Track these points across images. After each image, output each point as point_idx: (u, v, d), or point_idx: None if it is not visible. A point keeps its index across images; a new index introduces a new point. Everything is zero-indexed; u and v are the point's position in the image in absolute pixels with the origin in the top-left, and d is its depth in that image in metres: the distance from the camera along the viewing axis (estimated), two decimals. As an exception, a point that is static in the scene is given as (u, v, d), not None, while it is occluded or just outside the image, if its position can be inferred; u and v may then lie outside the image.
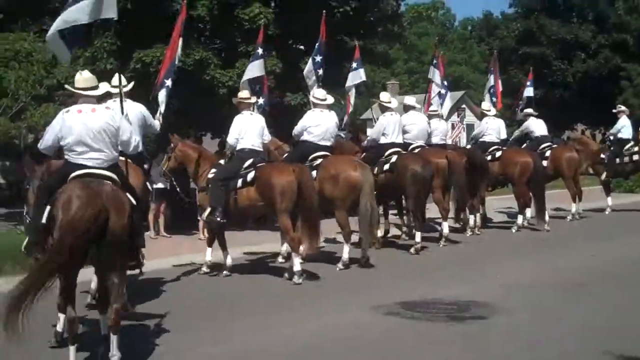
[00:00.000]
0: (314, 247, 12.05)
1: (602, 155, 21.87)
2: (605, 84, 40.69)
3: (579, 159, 19.86)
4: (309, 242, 11.94)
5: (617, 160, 21.62)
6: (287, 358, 7.76)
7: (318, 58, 16.21)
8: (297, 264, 11.70)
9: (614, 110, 22.87)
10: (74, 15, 10.60)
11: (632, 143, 21.71)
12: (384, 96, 15.84)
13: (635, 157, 21.33)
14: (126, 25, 16.29)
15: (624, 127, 21.64)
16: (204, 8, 17.86)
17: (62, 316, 8.02)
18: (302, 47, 20.27)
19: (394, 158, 14.74)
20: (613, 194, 24.29)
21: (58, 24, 10.22)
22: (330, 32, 19.89)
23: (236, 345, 8.23)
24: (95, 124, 7.80)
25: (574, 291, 10.95)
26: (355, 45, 18.07)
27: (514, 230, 17.70)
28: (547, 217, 17.65)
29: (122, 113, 9.15)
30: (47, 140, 8.02)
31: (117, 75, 10.34)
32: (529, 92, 23.45)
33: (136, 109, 10.81)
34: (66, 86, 8.55)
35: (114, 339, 7.22)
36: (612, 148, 21.93)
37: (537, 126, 20.25)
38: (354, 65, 17.57)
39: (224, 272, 12.48)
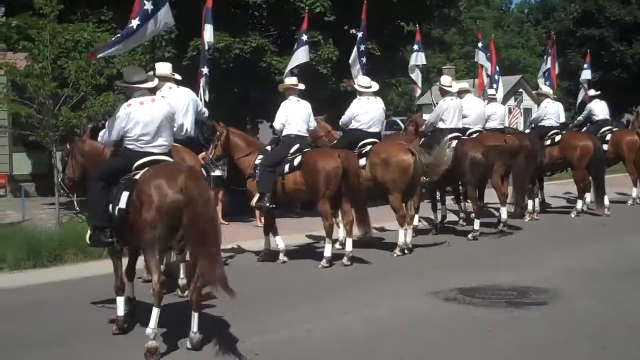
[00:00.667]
0: (365, 231, 12.32)
1: None
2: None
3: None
4: (360, 226, 12.20)
5: None
6: (346, 345, 7.77)
7: (362, 47, 16.25)
8: (328, 249, 12.03)
9: None
10: (132, 43, 11.20)
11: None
12: (445, 80, 15.68)
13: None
14: (184, 13, 16.40)
15: None
16: (261, -5, 17.96)
17: (121, 300, 8.37)
18: (359, 33, 20.27)
19: (453, 143, 14.62)
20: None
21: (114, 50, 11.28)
22: (387, 16, 19.90)
23: (294, 332, 8.27)
24: (159, 113, 8.31)
25: (634, 277, 10.83)
26: (415, 30, 18.00)
27: (573, 215, 17.51)
28: (607, 202, 17.42)
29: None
30: (111, 134, 8.40)
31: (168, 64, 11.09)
32: (586, 74, 23.07)
33: (187, 95, 11.25)
34: (119, 83, 8.88)
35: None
36: None
37: (600, 109, 19.95)
38: (415, 47, 17.53)
39: (280, 258, 12.56)
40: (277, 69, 17.60)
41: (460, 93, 16.26)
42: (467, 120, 15.84)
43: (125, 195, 7.81)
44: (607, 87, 39.92)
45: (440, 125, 14.99)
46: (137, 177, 7.89)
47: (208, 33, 14.18)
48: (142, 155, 8.21)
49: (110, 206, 8.03)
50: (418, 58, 17.54)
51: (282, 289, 10.55)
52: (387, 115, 18.68)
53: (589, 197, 18.05)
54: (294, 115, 12.60)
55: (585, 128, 19.96)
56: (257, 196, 12.47)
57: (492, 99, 17.84)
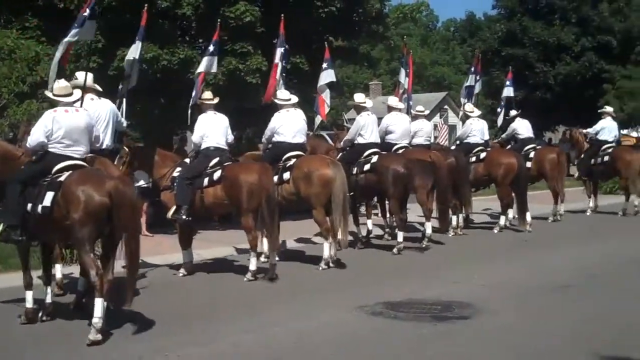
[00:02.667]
0: (277, 245, 12.62)
1: (582, 156, 21.89)
2: (587, 86, 40.89)
3: (562, 160, 19.93)
4: (269, 240, 12.51)
5: (592, 161, 21.48)
6: (271, 358, 7.73)
7: (284, 63, 16.21)
8: (253, 263, 12.04)
9: (599, 111, 22.89)
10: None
11: (609, 144, 21.49)
12: (359, 97, 15.86)
13: (606, 159, 21.21)
14: (110, 23, 16.22)
15: (603, 129, 21.46)
16: (190, 7, 17.84)
17: (30, 294, 9.25)
18: (286, 45, 20.29)
19: (374, 158, 14.80)
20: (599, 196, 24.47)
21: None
22: (315, 31, 19.97)
23: (219, 346, 8.21)
24: (81, 122, 9.32)
25: (556, 292, 10.99)
26: (327, 46, 17.97)
27: (496, 231, 17.77)
28: (529, 218, 17.72)
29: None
30: (37, 136, 9.12)
31: (85, 73, 11.16)
32: (508, 92, 23.45)
33: (107, 106, 11.40)
34: (46, 92, 9.91)
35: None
36: (589, 148, 21.83)
37: (523, 127, 20.36)
38: (324, 65, 17.52)
39: (181, 271, 12.57)
40: (205, 80, 17.49)
41: (389, 109, 16.42)
42: (392, 137, 15.98)
43: (50, 195, 8.67)
44: (531, 106, 40.72)
45: (359, 140, 15.10)
46: (61, 179, 8.73)
47: (136, 49, 13.93)
48: (63, 159, 9.06)
49: (30, 206, 8.83)
50: (327, 76, 17.54)
51: (207, 302, 10.45)
52: (315, 129, 18.65)
53: (511, 213, 18.34)
54: (212, 129, 12.64)
55: (509, 146, 20.28)
56: (173, 208, 12.40)
57: (420, 115, 17.99)
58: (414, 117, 17.87)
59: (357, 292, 10.80)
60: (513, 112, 21.09)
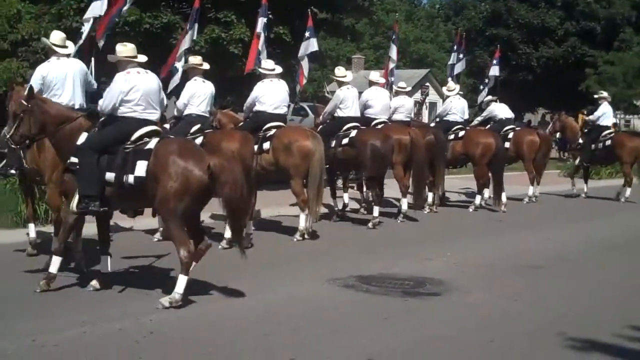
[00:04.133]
0: (253, 214, 12.69)
1: (580, 140, 21.82)
2: (569, 70, 40.99)
3: (540, 142, 20.03)
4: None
5: (593, 146, 21.41)
6: (241, 329, 7.75)
7: (262, 34, 16.11)
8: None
9: (596, 96, 22.93)
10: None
11: (610, 130, 21.71)
12: (339, 71, 15.84)
13: (608, 143, 21.24)
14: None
15: (604, 114, 21.44)
16: (174, -29, 17.76)
17: (58, 260, 8.89)
18: (271, 16, 20.20)
19: (353, 132, 14.83)
20: (564, 178, 24.64)
21: None
22: (299, 4, 19.89)
23: (188, 313, 8.22)
24: (154, 84, 9.12)
25: (528, 272, 11.11)
26: (309, 13, 17.91)
27: (471, 210, 17.86)
28: (504, 199, 17.82)
29: None
30: (112, 99, 8.87)
31: (60, 34, 11.09)
32: (494, 70, 23.50)
33: (78, 66, 10.98)
34: (110, 57, 9.43)
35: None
36: (589, 133, 21.77)
37: (501, 109, 20.46)
38: (307, 34, 17.46)
39: (156, 236, 12.63)
40: (188, 48, 17.42)
41: (370, 84, 16.43)
42: (371, 111, 15.99)
43: (142, 164, 8.42)
44: (512, 87, 40.84)
45: (339, 113, 15.12)
46: (150, 146, 8.54)
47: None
48: (142, 123, 8.84)
49: (113, 175, 8.55)
50: (309, 46, 17.48)
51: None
52: (295, 101, 18.68)
53: (487, 193, 18.45)
54: (198, 96, 12.57)
55: (489, 126, 20.34)
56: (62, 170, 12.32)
57: (401, 92, 17.99)
58: (396, 93, 17.91)
59: (330, 265, 10.84)
60: (489, 97, 21.19)
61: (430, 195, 17.22)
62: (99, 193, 8.68)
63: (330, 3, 21.26)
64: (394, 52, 21.48)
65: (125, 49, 9.23)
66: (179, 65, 14.84)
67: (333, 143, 14.64)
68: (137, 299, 8.63)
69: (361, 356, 6.98)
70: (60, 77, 10.43)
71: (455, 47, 23.04)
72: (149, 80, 9.04)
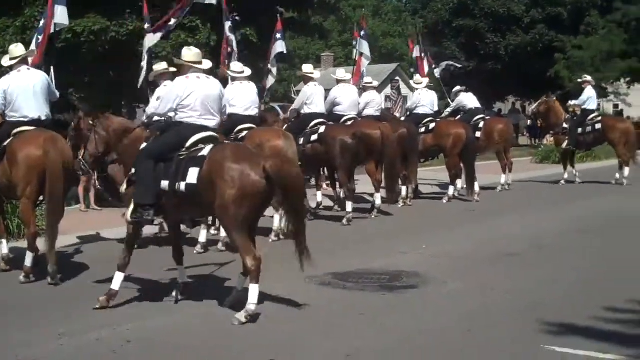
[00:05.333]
0: None
1: (565, 126, 21.82)
2: (537, 57, 41.19)
3: (511, 131, 20.16)
4: None
5: (580, 130, 21.46)
6: (219, 331, 7.75)
7: (232, 36, 15.93)
8: (203, 235, 12.09)
9: (579, 80, 23.03)
10: None
11: (596, 114, 21.84)
12: (307, 68, 15.92)
13: (597, 127, 21.32)
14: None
15: (589, 98, 21.54)
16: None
17: (121, 276, 8.71)
18: (237, 17, 20.20)
19: (321, 129, 14.88)
20: (543, 165, 24.78)
21: None
22: (266, 3, 19.90)
23: (167, 319, 8.24)
24: (215, 89, 8.88)
25: (504, 261, 11.18)
26: (279, 17, 17.92)
27: (444, 201, 17.94)
28: (477, 188, 17.91)
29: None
30: (167, 104, 8.77)
31: (20, 45, 10.98)
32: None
33: (41, 76, 10.82)
34: (175, 60, 9.50)
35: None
36: (575, 118, 21.85)
37: (469, 100, 20.55)
38: (278, 36, 17.46)
39: None
40: (154, 52, 17.38)
41: (337, 82, 16.47)
42: (340, 108, 16.02)
43: (194, 171, 8.16)
44: (481, 76, 41.01)
45: (306, 110, 15.20)
46: (203, 153, 8.25)
47: (59, 15, 13.83)
48: (198, 130, 8.58)
49: (167, 183, 8.34)
50: (279, 47, 17.50)
51: (157, 275, 10.37)
52: (266, 102, 18.67)
53: (460, 183, 18.53)
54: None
55: (458, 116, 20.42)
56: (125, 182, 12.24)
57: (369, 87, 18.03)
58: (364, 89, 17.94)
59: (307, 263, 10.83)
60: (457, 88, 21.30)
61: (403, 189, 17.28)
62: (154, 202, 8.50)
63: (297, 2, 21.28)
64: (365, 48, 21.47)
65: (189, 54, 9.06)
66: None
67: (301, 140, 14.65)
68: (113, 308, 8.56)
69: (339, 353, 7.00)
70: (23, 90, 10.28)
71: (420, 41, 23.18)
72: (209, 86, 8.79)
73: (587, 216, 15.69)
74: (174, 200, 8.42)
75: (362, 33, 22.07)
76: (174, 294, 8.89)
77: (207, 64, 9.23)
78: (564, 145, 21.72)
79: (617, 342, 7.20)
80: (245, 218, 7.99)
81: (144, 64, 14.61)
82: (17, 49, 10.80)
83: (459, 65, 21.15)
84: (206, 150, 8.31)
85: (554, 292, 9.33)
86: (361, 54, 21.74)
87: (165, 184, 8.38)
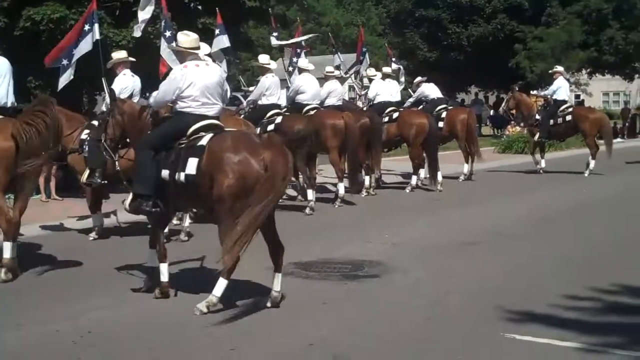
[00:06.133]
0: None
1: (537, 117, 21.88)
2: (499, 47, 41.35)
3: (472, 121, 20.23)
4: None
5: (552, 121, 21.49)
6: (180, 323, 7.69)
7: (168, 33, 15.47)
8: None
9: (550, 71, 23.10)
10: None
11: (567, 104, 21.87)
12: (263, 58, 15.98)
13: (568, 118, 21.37)
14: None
15: (559, 88, 21.58)
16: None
17: (164, 266, 8.56)
18: (199, 7, 20.08)
19: (278, 119, 14.94)
20: (505, 155, 24.91)
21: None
22: (227, -8, 19.74)
23: (129, 309, 8.21)
24: (214, 77, 8.70)
25: (466, 250, 11.25)
26: (219, 12, 17.72)
27: (407, 191, 17.98)
28: (440, 178, 17.97)
29: None
30: (166, 94, 8.64)
31: None
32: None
33: (6, 63, 10.54)
34: (171, 47, 9.65)
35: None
36: (547, 108, 21.93)
37: (431, 90, 20.64)
38: (217, 31, 17.28)
39: (92, 235, 12.39)
40: (114, 41, 17.22)
41: (300, 71, 16.48)
42: (303, 97, 16.19)
43: (193, 161, 8.04)
44: (444, 67, 41.09)
45: (263, 101, 15.30)
46: (202, 142, 8.12)
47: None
48: (197, 119, 8.45)
49: (167, 173, 8.23)
50: (220, 42, 17.35)
51: (117, 266, 10.26)
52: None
53: (423, 173, 18.59)
54: (127, 90, 12.43)
55: (421, 107, 20.46)
56: (87, 172, 12.14)
57: (331, 77, 18.00)
58: (325, 78, 17.90)
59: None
60: (418, 79, 21.38)
61: (367, 179, 17.30)
62: (153, 192, 8.41)
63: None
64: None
65: (186, 40, 8.83)
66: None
67: (257, 130, 14.62)
68: (72, 298, 8.51)
69: (302, 342, 7.01)
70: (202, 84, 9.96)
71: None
72: (208, 74, 8.62)
73: (549, 205, 15.84)
74: (173, 190, 8.31)
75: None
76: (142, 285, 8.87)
77: (206, 49, 9.19)
78: (536, 137, 21.77)
79: (576, 330, 7.27)
80: (240, 209, 7.83)
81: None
82: None
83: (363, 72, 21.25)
84: (205, 139, 8.19)
85: (515, 280, 9.41)
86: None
87: (165, 173, 8.28)
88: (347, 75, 22.54)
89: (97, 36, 14.29)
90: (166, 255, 8.61)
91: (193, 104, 8.50)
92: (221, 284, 7.86)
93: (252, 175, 7.77)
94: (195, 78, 8.50)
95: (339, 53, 22.48)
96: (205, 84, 8.53)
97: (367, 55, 23.20)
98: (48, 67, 13.94)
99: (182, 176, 8.13)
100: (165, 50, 14.51)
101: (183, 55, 8.91)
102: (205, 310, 7.78)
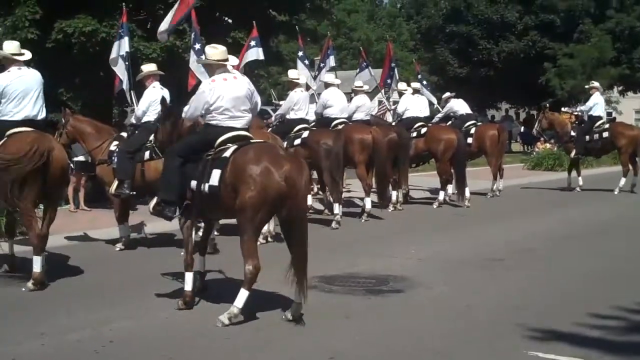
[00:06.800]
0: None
1: (573, 133, 21.65)
2: (530, 63, 41.22)
3: (502, 137, 20.14)
4: None
5: (587, 138, 21.15)
6: (202, 333, 7.72)
7: (197, 46, 15.49)
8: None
9: (586, 87, 22.89)
10: None
11: (602, 120, 21.43)
12: (292, 73, 16.13)
13: (605, 135, 20.97)
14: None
15: (596, 105, 21.23)
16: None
17: (190, 275, 8.64)
18: (229, 20, 20.20)
19: (305, 133, 15.00)
20: (534, 172, 24.74)
21: None
22: (257, 5, 19.88)
23: (152, 320, 8.23)
24: (242, 90, 8.77)
25: (490, 266, 11.18)
26: (255, 25, 17.84)
27: (435, 206, 17.93)
28: (467, 194, 17.90)
29: None
30: (196, 108, 8.76)
31: (15, 43, 10.76)
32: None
33: (35, 76, 10.51)
34: (200, 60, 9.82)
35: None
36: (582, 125, 21.69)
37: (460, 105, 20.63)
38: (252, 43, 17.41)
39: (118, 245, 12.47)
40: (144, 54, 17.37)
41: (326, 86, 16.58)
42: (330, 111, 16.31)
43: (216, 172, 8.17)
44: (474, 83, 41.02)
45: (291, 115, 15.41)
46: (226, 154, 8.23)
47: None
48: (225, 130, 8.57)
49: (194, 183, 8.39)
50: (253, 54, 17.51)
51: (143, 277, 10.35)
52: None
53: (450, 188, 18.54)
54: (156, 103, 12.50)
55: (450, 122, 20.43)
56: (115, 183, 12.25)
57: (359, 91, 18.02)
58: (354, 93, 17.92)
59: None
60: (447, 94, 21.35)
61: (394, 194, 17.28)
62: (177, 199, 8.61)
63: (288, 5, 21.25)
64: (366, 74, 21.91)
65: (215, 52, 8.97)
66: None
67: (285, 144, 14.66)
68: (95, 308, 8.56)
69: (323, 355, 6.98)
70: (22, 88, 10.06)
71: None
72: (236, 87, 8.72)
73: (576, 222, 15.72)
74: (199, 200, 8.43)
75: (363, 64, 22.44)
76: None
77: (234, 61, 9.32)
78: (572, 153, 21.48)
79: (600, 348, 7.19)
80: (262, 220, 8.11)
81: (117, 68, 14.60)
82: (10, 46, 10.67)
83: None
84: (229, 151, 8.30)
85: (539, 297, 9.33)
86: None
87: (193, 183, 8.44)
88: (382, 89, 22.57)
89: (127, 48, 14.46)
90: (192, 265, 8.67)
91: (220, 116, 8.61)
92: (242, 295, 7.94)
93: (273, 186, 7.82)
94: (223, 91, 8.60)
95: (369, 67, 22.41)
96: (233, 97, 8.63)
97: (396, 71, 23.15)
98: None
99: (206, 187, 8.25)
100: (194, 63, 14.66)
101: (212, 68, 9.00)
102: (226, 322, 7.82)
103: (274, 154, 8.21)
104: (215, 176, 8.20)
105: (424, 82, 23.41)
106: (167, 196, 8.68)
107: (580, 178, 21.57)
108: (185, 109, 9.11)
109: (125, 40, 14.64)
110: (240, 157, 8.11)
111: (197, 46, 14.68)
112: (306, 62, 20.36)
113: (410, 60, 57.37)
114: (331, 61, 21.56)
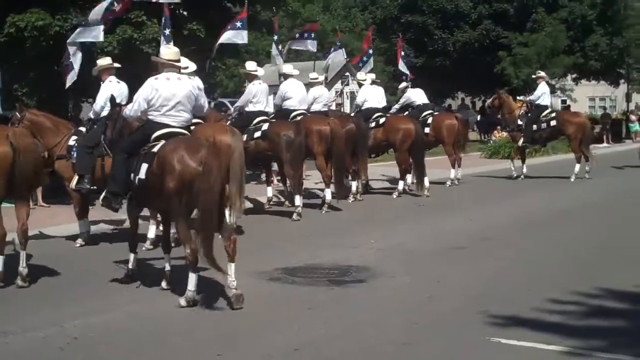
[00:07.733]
0: None
1: (519, 122, 21.81)
2: (485, 53, 41.49)
3: (459, 126, 20.27)
4: None
5: (535, 127, 21.46)
6: (166, 328, 7.73)
7: (167, 31, 15.43)
8: (152, 230, 12.16)
9: (533, 76, 23.12)
10: None
11: (549, 109, 21.84)
12: (250, 65, 16.00)
13: (553, 123, 21.31)
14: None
15: (543, 94, 21.56)
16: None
17: (133, 256, 9.58)
18: (185, 12, 20.04)
19: (264, 126, 14.96)
20: (492, 160, 24.95)
21: None
22: (213, -1, 19.78)
23: (114, 315, 8.20)
24: (182, 89, 9.09)
25: (452, 254, 11.28)
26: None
27: (394, 196, 18.01)
28: (427, 183, 18.00)
29: None
30: (139, 104, 9.07)
31: None
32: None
33: None
34: (153, 57, 9.78)
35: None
36: (529, 114, 21.81)
37: (417, 95, 20.70)
38: (238, 24, 17.37)
39: (78, 241, 12.43)
40: (99, 47, 17.18)
41: (285, 77, 16.53)
42: (290, 102, 16.26)
43: (144, 166, 8.68)
44: (431, 73, 41.14)
45: (250, 108, 15.34)
46: (155, 149, 8.67)
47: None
48: (160, 127, 8.96)
49: (132, 175, 8.92)
50: (238, 36, 17.49)
51: (103, 272, 10.28)
52: (214, 97, 18.66)
53: (409, 178, 18.64)
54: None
55: (407, 112, 20.50)
56: (76, 178, 12.15)
57: (315, 83, 18.01)
58: (310, 84, 17.90)
59: (257, 259, 10.78)
60: (403, 84, 21.46)
61: (354, 184, 17.33)
62: (122, 191, 9.27)
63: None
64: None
65: (167, 52, 9.45)
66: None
67: (244, 137, 14.60)
68: (59, 305, 8.53)
69: (288, 347, 7.00)
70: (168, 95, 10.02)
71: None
72: (177, 87, 9.04)
73: (535, 210, 15.87)
74: (135, 191, 9.05)
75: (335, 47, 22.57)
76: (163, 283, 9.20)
77: (189, 65, 9.95)
78: (520, 142, 21.72)
79: (561, 333, 7.30)
80: (190, 206, 8.45)
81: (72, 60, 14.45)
82: None
83: None
84: (158, 146, 8.73)
85: (500, 284, 9.43)
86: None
87: (132, 176, 8.95)
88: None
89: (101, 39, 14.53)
90: (135, 247, 9.69)
91: (156, 113, 9.01)
92: (192, 278, 8.37)
93: (191, 171, 8.29)
94: (163, 89, 8.97)
95: (343, 49, 22.58)
96: (170, 95, 8.99)
97: (371, 59, 23.27)
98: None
99: (136, 180, 8.84)
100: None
101: (162, 67, 9.28)
102: (184, 304, 8.25)
103: (192, 143, 8.74)
104: (143, 170, 8.72)
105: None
106: (113, 188, 9.35)
107: (524, 166, 21.86)
108: (129, 106, 9.42)
109: (100, 28, 14.58)
110: (162, 150, 8.60)
111: (167, 31, 15.22)
112: (280, 47, 20.37)
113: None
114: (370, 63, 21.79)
